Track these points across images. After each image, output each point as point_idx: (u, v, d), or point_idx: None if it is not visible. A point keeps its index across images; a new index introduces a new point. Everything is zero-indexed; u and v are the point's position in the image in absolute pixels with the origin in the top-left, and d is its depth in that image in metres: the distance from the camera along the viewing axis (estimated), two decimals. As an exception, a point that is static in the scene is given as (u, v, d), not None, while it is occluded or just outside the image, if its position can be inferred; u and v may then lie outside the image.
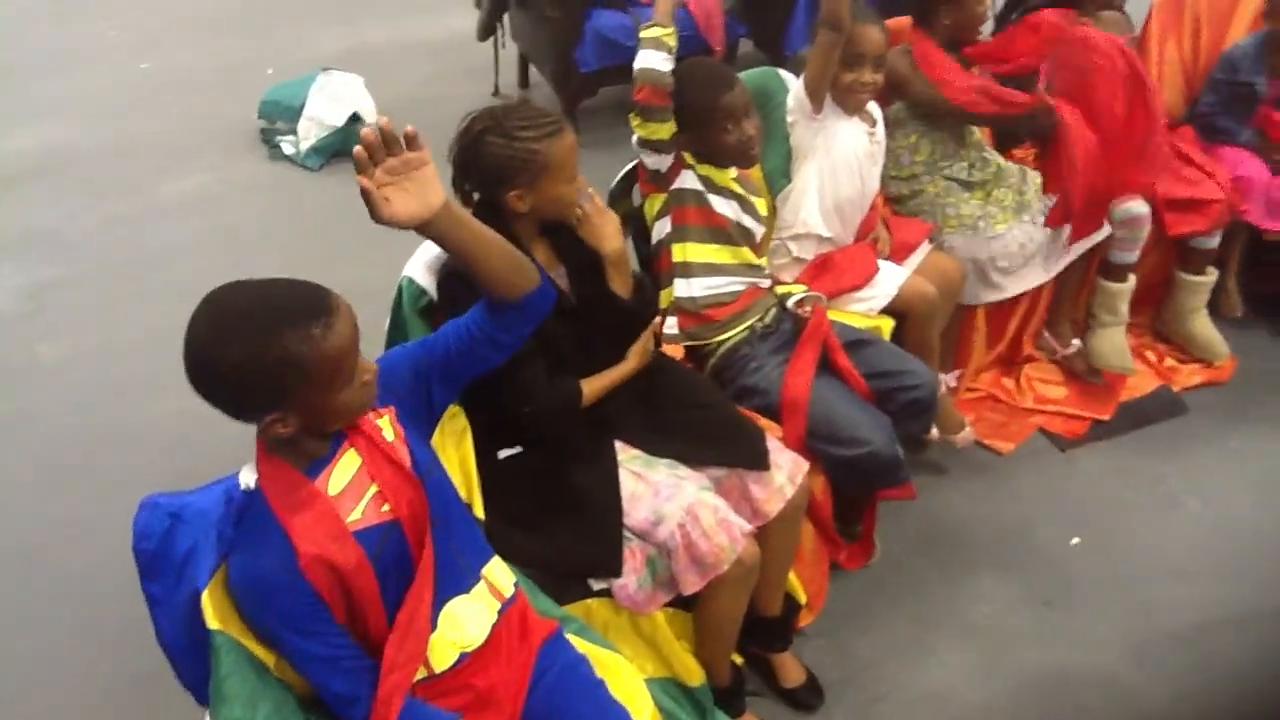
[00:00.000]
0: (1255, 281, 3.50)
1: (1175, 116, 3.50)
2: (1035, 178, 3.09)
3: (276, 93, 4.92)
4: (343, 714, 1.52)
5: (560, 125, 1.97)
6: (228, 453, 1.67)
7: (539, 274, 1.64)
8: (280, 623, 1.48)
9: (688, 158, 2.41)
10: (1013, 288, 3.03)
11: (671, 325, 2.47)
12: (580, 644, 1.78)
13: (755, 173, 2.61)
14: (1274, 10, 3.22)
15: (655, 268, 2.52)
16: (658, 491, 2.04)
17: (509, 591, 1.68)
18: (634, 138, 2.35)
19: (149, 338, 3.20)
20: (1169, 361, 3.39)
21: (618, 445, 2.14)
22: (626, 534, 2.02)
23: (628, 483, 2.06)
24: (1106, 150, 2.96)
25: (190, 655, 1.56)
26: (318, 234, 4.16)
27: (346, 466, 1.54)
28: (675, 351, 2.46)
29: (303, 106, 4.75)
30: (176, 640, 1.57)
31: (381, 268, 2.12)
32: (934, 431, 2.85)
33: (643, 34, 2.28)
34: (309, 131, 4.72)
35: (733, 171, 2.47)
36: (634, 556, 2.01)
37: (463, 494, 1.95)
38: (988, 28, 3.14)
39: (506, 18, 4.94)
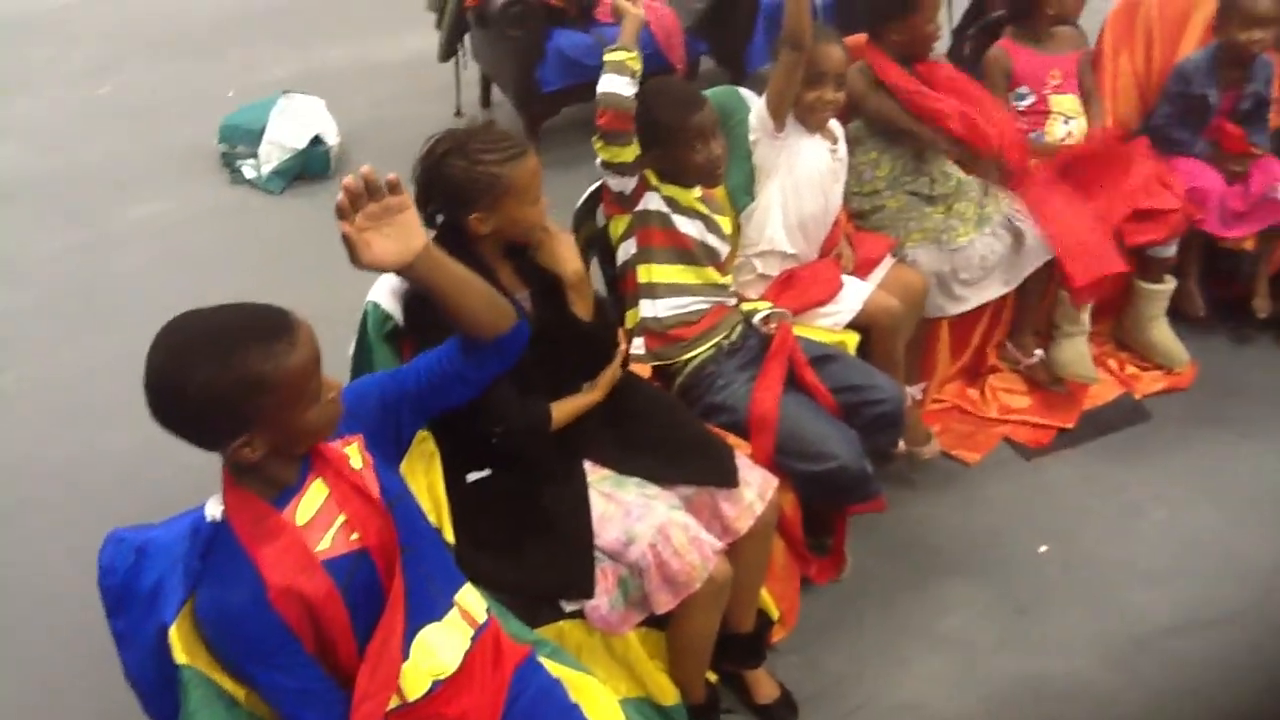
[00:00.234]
0: (1213, 288, 3.55)
1: (1130, 128, 3.55)
2: (996, 191, 3.13)
3: (237, 116, 4.89)
4: (315, 746, 1.51)
5: (522, 149, 1.97)
6: (191, 483, 1.66)
7: (515, 313, 1.64)
8: (250, 655, 1.47)
9: (652, 179, 2.42)
10: (975, 299, 3.06)
11: (638, 345, 2.47)
12: (554, 667, 1.78)
13: (719, 191, 2.62)
14: (1224, 23, 3.28)
15: (621, 289, 2.53)
16: (628, 512, 2.04)
17: (482, 617, 1.68)
18: (598, 160, 2.36)
19: (108, 366, 3.17)
20: (1130, 369, 3.43)
21: (587, 465, 2.14)
22: (598, 555, 2.02)
23: (598, 503, 2.06)
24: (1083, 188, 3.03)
25: (158, 691, 1.55)
26: (280, 258, 4.13)
27: (314, 496, 1.53)
28: (643, 371, 2.46)
29: (264, 130, 4.72)
30: (144, 675, 1.55)
31: (346, 291, 2.11)
32: (901, 444, 2.86)
33: (607, 57, 2.29)
34: (270, 155, 4.69)
35: (697, 191, 2.48)
36: (605, 577, 2.01)
37: (432, 519, 1.94)
38: (943, 44, 3.17)
39: (467, 38, 4.93)
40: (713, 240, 2.49)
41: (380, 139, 4.98)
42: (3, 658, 2.62)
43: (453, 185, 1.97)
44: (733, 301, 2.58)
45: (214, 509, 1.51)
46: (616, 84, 2.26)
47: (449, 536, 1.95)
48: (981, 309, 3.16)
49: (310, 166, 4.70)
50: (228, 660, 1.51)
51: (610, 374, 2.18)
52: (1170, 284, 3.39)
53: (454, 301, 1.56)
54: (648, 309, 2.46)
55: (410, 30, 5.70)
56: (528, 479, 2.06)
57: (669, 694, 2.13)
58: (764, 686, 2.38)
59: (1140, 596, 2.65)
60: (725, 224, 2.56)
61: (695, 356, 2.47)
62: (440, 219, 2.05)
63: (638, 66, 2.29)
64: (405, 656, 1.55)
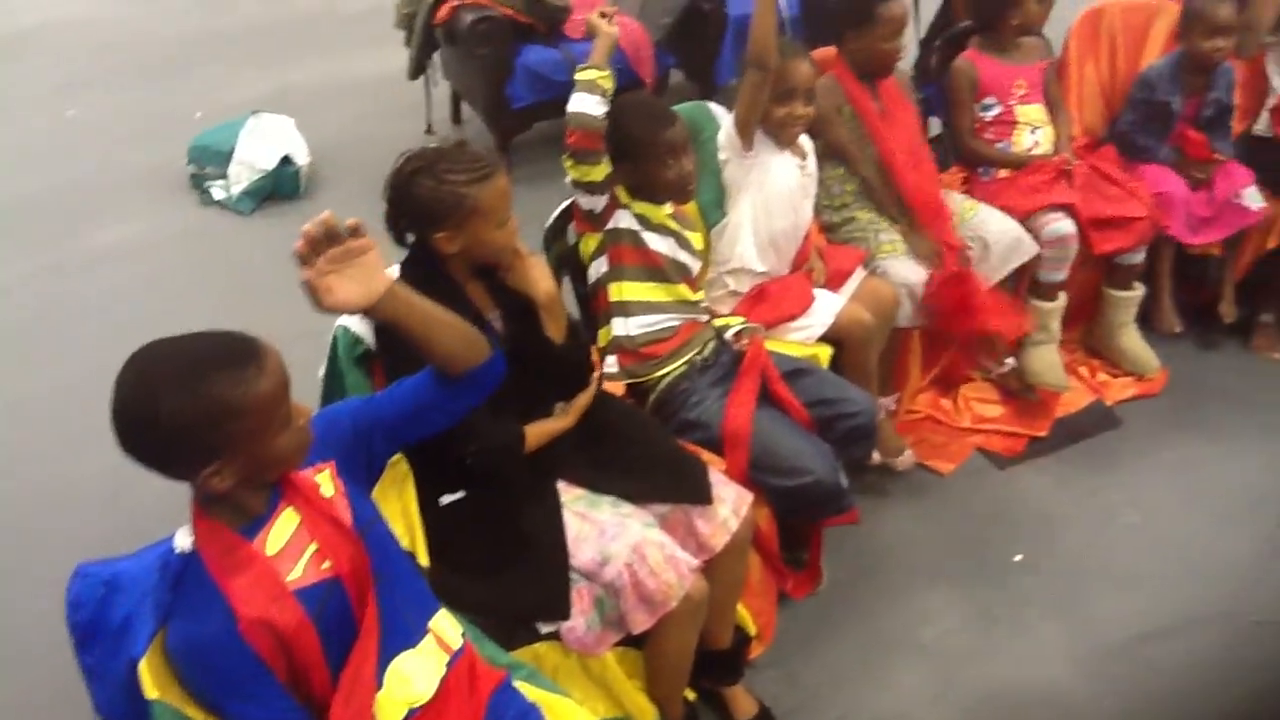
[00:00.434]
0: (1180, 293, 3.58)
1: (1096, 136, 3.59)
2: (963, 200, 3.15)
3: (206, 137, 4.87)
4: (289, 777, 1.49)
5: (491, 170, 1.97)
6: (164, 508, 1.64)
7: (489, 346, 1.64)
8: (222, 688, 1.45)
9: (622, 196, 2.43)
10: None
11: (611, 363, 2.47)
12: (530, 690, 1.77)
13: (690, 207, 2.63)
14: (1187, 32, 3.32)
15: (592, 307, 2.53)
16: (603, 531, 2.04)
17: (457, 643, 1.67)
18: (568, 179, 2.36)
19: (79, 391, 3.14)
20: (1101, 376, 3.45)
21: (561, 485, 2.13)
22: (573, 575, 2.01)
23: (572, 524, 2.06)
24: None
25: (129, 726, 1.53)
26: (251, 279, 4.10)
27: (285, 525, 1.52)
28: (616, 389, 2.46)
29: (233, 150, 4.70)
30: (115, 711, 1.53)
31: (316, 311, 2.11)
32: (875, 455, 2.87)
33: (578, 76, 2.30)
34: (240, 175, 4.67)
35: (668, 207, 2.49)
36: (581, 598, 2.01)
37: (406, 542, 1.94)
38: (909, 59, 3.20)
39: (437, 55, 4.93)
40: (684, 257, 2.50)
41: (351, 157, 4.97)
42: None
43: (420, 204, 1.97)
44: (705, 318, 2.58)
45: (183, 540, 1.50)
46: (587, 103, 2.27)
47: (423, 559, 1.94)
48: (952, 319, 3.17)
49: (280, 187, 4.69)
50: (200, 693, 1.49)
51: (584, 400, 2.18)
52: (1139, 291, 3.42)
53: (423, 338, 1.55)
54: (620, 327, 2.46)
55: (380, 47, 5.69)
56: (502, 500, 2.05)
57: (647, 713, 2.13)
58: (742, 703, 2.38)
59: (1114, 603, 2.66)
60: (697, 240, 2.57)
61: (668, 373, 2.47)
62: (412, 239, 2.05)
63: (609, 85, 2.30)
64: (379, 685, 1.54)
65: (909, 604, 2.69)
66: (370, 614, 1.52)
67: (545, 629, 2.00)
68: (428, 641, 1.62)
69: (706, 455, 2.33)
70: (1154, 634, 2.57)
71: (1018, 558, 2.82)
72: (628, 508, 2.12)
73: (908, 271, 2.94)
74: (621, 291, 2.45)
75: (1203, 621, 2.60)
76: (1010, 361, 3.32)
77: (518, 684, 1.75)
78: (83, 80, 6.36)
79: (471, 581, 1.97)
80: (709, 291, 2.71)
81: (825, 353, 2.73)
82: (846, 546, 2.77)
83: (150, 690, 1.47)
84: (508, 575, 2.00)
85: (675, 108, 2.57)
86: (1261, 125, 3.60)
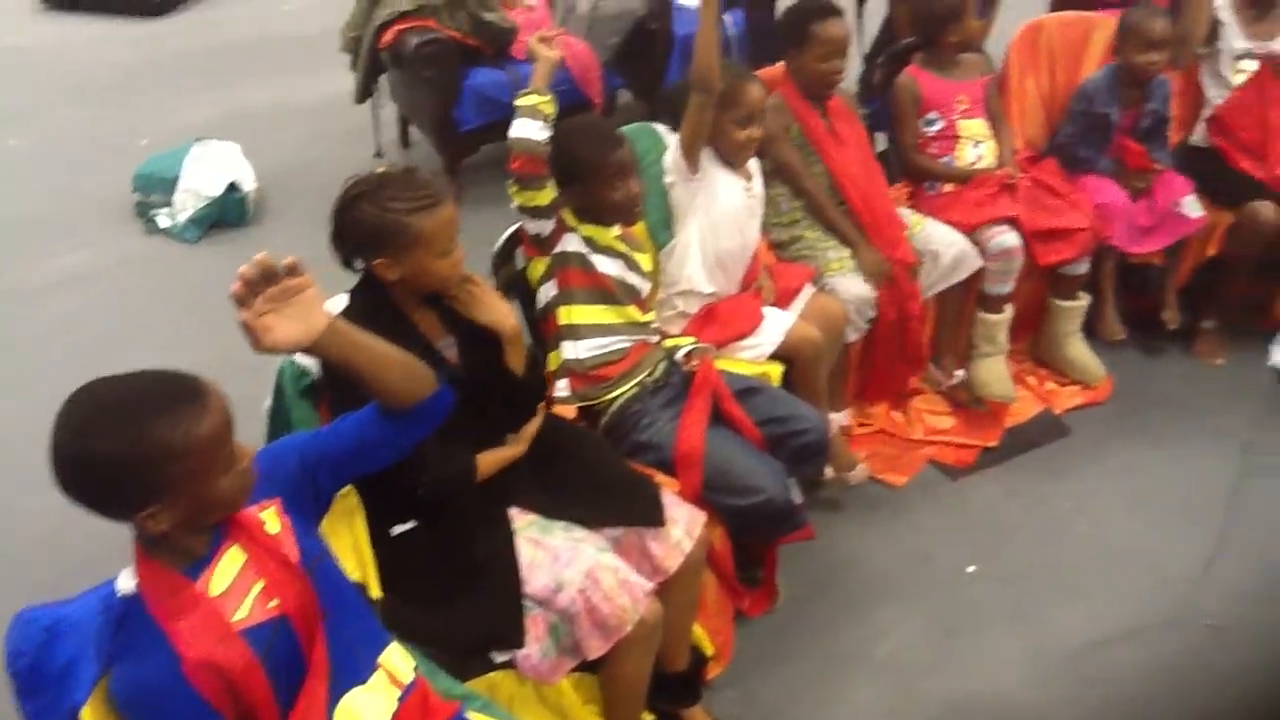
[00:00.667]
0: (1123, 301, 3.64)
1: (1038, 149, 3.64)
2: (909, 215, 3.19)
3: (151, 165, 4.80)
4: (238, 820, 1.47)
5: (435, 200, 1.95)
6: (110, 548, 1.61)
7: (434, 379, 1.63)
8: (168, 732, 1.43)
9: (569, 219, 2.43)
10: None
11: (562, 387, 2.47)
12: (485, 721, 1.76)
13: (639, 228, 2.63)
14: (1122, 45, 3.38)
15: (542, 331, 2.53)
16: (556, 557, 2.03)
17: (408, 678, 1.65)
18: (513, 204, 2.36)
19: (24, 427, 3.09)
20: (1049, 385, 3.50)
21: (513, 512, 2.13)
22: (527, 603, 2.00)
23: (525, 550, 2.05)
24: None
25: (73, 774, 1.50)
26: (198, 308, 4.03)
27: (230, 564, 1.50)
28: (567, 412, 2.46)
29: (178, 178, 4.64)
30: (58, 758, 1.50)
31: (255, 352, 2.08)
32: (828, 470, 2.89)
33: (519, 102, 2.30)
34: (186, 203, 4.61)
35: (616, 229, 2.49)
36: (535, 625, 2.00)
37: (357, 574, 1.92)
38: (852, 76, 3.23)
39: (384, 78, 4.91)
40: (633, 279, 2.50)
41: (299, 182, 4.93)
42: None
43: (361, 230, 1.96)
44: (655, 339, 2.59)
45: (125, 583, 1.48)
46: (529, 128, 2.27)
47: (375, 591, 1.93)
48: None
49: (227, 214, 4.63)
50: (146, 738, 1.48)
51: (533, 427, 2.18)
52: (1084, 300, 3.46)
53: (366, 374, 1.55)
54: (570, 351, 2.46)
55: (327, 71, 5.65)
56: (453, 530, 2.04)
57: (605, 738, 2.12)
58: (701, 724, 2.38)
59: (1066, 611, 2.69)
60: (645, 261, 2.57)
61: (619, 395, 2.47)
62: (360, 264, 2.04)
63: (550, 110, 2.30)
64: (330, 724, 1.52)
65: (865, 618, 2.70)
66: (319, 651, 1.50)
67: (500, 658, 1.99)
68: (378, 677, 1.61)
69: (659, 477, 2.33)
70: (1105, 641, 2.60)
71: (971, 569, 2.84)
72: (581, 532, 2.12)
73: (856, 288, 2.97)
74: (571, 315, 2.45)
75: (1153, 628, 2.64)
76: (959, 373, 3.35)
77: (472, 715, 1.74)
78: (24, 108, 6.26)
79: (424, 612, 1.96)
80: (659, 312, 2.72)
81: (776, 370, 2.74)
82: (802, 563, 2.78)
83: (93, 737, 1.45)
84: (461, 605, 1.99)
85: (621, 129, 2.58)
86: (1198, 135, 3.68)
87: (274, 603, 1.50)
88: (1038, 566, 2.84)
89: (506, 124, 2.34)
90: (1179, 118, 3.62)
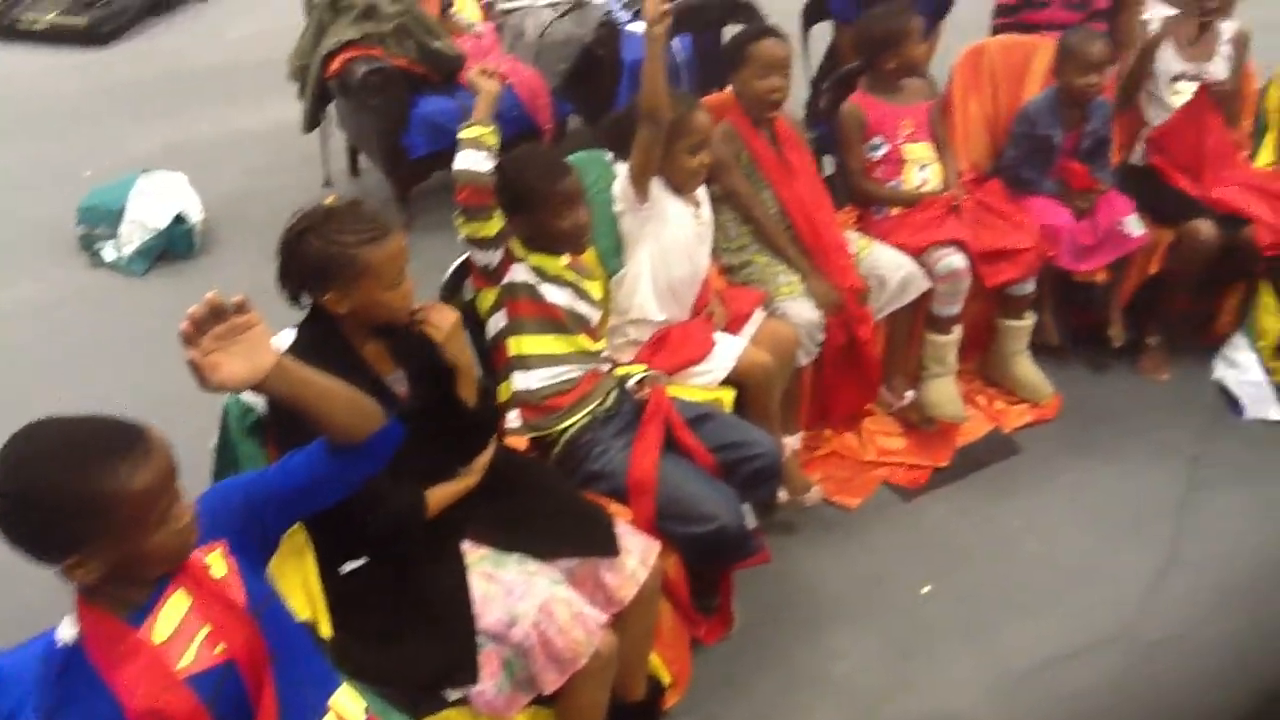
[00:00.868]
0: (1069, 318, 3.69)
1: (983, 171, 3.69)
2: (858, 238, 3.22)
3: (95, 197, 4.73)
4: None
5: (382, 232, 1.95)
6: (47, 596, 1.58)
7: (382, 414, 1.62)
8: (112, 785, 1.40)
9: (517, 249, 2.43)
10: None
11: (514, 418, 2.46)
12: (439, 759, 1.74)
13: (589, 255, 2.64)
14: (1062, 68, 3.44)
15: (492, 361, 2.52)
16: (510, 591, 2.02)
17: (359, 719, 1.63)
18: (460, 235, 2.35)
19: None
20: (999, 404, 3.53)
21: (466, 545, 2.11)
22: (480, 638, 1.99)
23: (478, 585, 2.04)
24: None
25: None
26: (144, 343, 3.96)
27: (174, 609, 1.47)
28: (519, 443, 2.45)
29: (123, 209, 4.58)
30: (-2, 815, 1.47)
31: (202, 390, 2.06)
32: (782, 494, 2.90)
33: (462, 134, 2.30)
34: (132, 235, 4.54)
35: (565, 258, 2.49)
36: (490, 660, 1.98)
37: (307, 613, 1.90)
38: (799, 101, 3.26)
39: (332, 107, 4.89)
40: (583, 308, 2.50)
41: (247, 212, 4.87)
42: None
43: (308, 263, 1.95)
44: (606, 367, 2.59)
45: (66, 631, 1.45)
46: (473, 159, 2.27)
47: (326, 630, 1.90)
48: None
49: (174, 245, 4.57)
50: (88, 791, 1.44)
51: (485, 459, 2.17)
52: (1031, 320, 3.51)
53: (313, 410, 1.53)
54: (520, 381, 2.45)
55: (274, 99, 5.61)
56: (404, 565, 2.03)
57: (563, 772, 2.10)
58: (660, 752, 2.37)
59: (1019, 629, 2.72)
60: (595, 289, 2.58)
61: (571, 425, 2.47)
62: (307, 298, 2.02)
63: (494, 141, 2.30)
64: (280, 769, 1.50)
65: (821, 641, 2.71)
66: (268, 696, 1.48)
67: (454, 695, 1.97)
68: (328, 720, 1.59)
69: (613, 506, 2.33)
70: (1057, 658, 2.63)
71: (926, 589, 2.86)
72: (534, 565, 2.11)
73: (807, 312, 2.98)
74: (521, 345, 2.44)
75: (1103, 643, 2.67)
76: (910, 394, 3.38)
77: (425, 755, 1.72)
78: (-36, 139, 6.16)
79: (376, 650, 1.94)
80: (610, 340, 2.72)
81: (728, 396, 2.75)
82: (757, 587, 2.77)
83: (34, 791, 1.42)
84: (413, 641, 1.97)
85: (569, 158, 2.58)
86: (1137, 155, 3.75)
87: (220, 648, 1.47)
88: (989, 586, 2.86)
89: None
90: (1119, 139, 3.69)
